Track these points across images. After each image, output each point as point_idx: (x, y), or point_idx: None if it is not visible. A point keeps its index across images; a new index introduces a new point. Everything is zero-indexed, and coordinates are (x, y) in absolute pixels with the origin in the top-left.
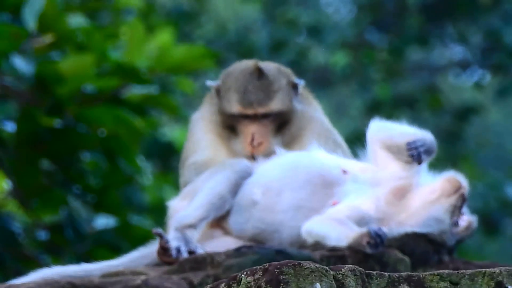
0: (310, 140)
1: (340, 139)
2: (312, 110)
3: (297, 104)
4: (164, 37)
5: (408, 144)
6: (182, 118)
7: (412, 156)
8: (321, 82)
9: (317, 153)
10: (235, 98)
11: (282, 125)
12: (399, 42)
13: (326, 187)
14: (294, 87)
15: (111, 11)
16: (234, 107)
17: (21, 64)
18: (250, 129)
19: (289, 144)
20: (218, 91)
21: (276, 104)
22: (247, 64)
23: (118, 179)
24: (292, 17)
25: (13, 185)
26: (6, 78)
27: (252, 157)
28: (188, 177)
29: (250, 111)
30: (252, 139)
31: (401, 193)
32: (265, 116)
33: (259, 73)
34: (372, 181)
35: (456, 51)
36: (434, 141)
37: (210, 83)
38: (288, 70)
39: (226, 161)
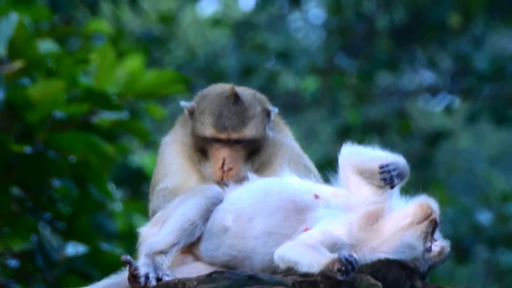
0: (281, 166)
1: (310, 164)
2: (283, 136)
3: (269, 131)
4: (134, 62)
5: (381, 167)
6: (152, 143)
7: (384, 179)
8: (291, 107)
9: (289, 179)
10: (210, 121)
11: (254, 151)
12: (369, 67)
13: (298, 213)
14: (268, 114)
15: (81, 36)
16: (208, 130)
17: None
18: (222, 154)
19: (259, 170)
20: (192, 113)
21: (250, 131)
22: (224, 87)
23: (89, 205)
24: (261, 42)
25: None
26: None
27: (222, 182)
28: (157, 204)
29: (223, 136)
30: (223, 164)
31: (373, 218)
32: (237, 141)
33: (235, 98)
34: (344, 206)
35: (426, 76)
36: (406, 165)
37: (184, 103)
38: (263, 97)
39: (197, 187)
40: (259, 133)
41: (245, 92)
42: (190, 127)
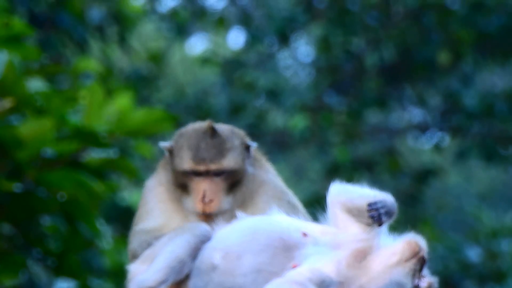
0: (264, 203)
1: (295, 200)
2: (264, 172)
3: (249, 166)
4: (123, 100)
5: (369, 205)
6: (141, 181)
7: (372, 217)
8: (280, 145)
9: (277, 217)
10: (188, 155)
11: (234, 185)
12: (358, 105)
13: (286, 250)
14: (247, 148)
15: (70, 75)
16: (186, 163)
17: None
18: (202, 186)
19: (242, 206)
20: (171, 151)
21: (228, 162)
22: (200, 124)
23: (78, 243)
24: (251, 80)
25: None
26: None
27: (204, 216)
28: (135, 244)
29: (202, 167)
30: (203, 196)
31: (362, 256)
32: (217, 174)
33: (212, 132)
34: (332, 243)
35: (415, 114)
36: (394, 203)
37: (162, 143)
38: (241, 132)
39: (185, 225)
40: (238, 165)
41: (223, 127)
42: (170, 165)
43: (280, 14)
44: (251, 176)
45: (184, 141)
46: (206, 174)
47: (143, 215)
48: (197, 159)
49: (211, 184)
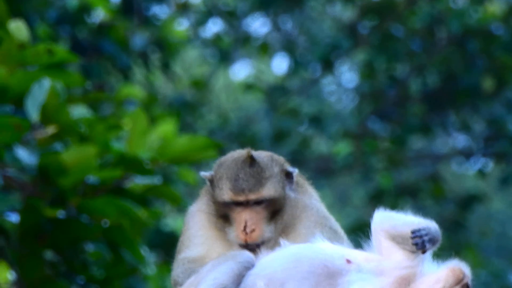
0: (306, 228)
1: (337, 226)
2: (307, 198)
3: (291, 192)
4: (166, 127)
5: (413, 232)
6: (184, 208)
7: (416, 244)
8: (324, 172)
9: (320, 244)
10: (227, 186)
11: (276, 212)
12: (402, 131)
13: (330, 277)
14: (288, 175)
15: (114, 102)
16: (226, 194)
17: (24, 155)
18: (243, 217)
19: (284, 232)
20: (211, 181)
21: (268, 191)
22: (240, 153)
23: (121, 269)
24: (294, 106)
25: (17, 276)
26: (9, 170)
27: (246, 246)
28: (177, 272)
29: (241, 198)
30: (245, 227)
31: (405, 283)
32: (257, 203)
33: (251, 161)
34: (376, 270)
35: (459, 140)
36: (438, 230)
37: (204, 174)
38: (281, 158)
39: (229, 253)
40: (277, 193)
41: (262, 154)
42: (211, 195)
43: (324, 40)
44: (293, 202)
45: (223, 171)
46: (247, 204)
47: (185, 242)
48: (236, 189)
49: (251, 214)
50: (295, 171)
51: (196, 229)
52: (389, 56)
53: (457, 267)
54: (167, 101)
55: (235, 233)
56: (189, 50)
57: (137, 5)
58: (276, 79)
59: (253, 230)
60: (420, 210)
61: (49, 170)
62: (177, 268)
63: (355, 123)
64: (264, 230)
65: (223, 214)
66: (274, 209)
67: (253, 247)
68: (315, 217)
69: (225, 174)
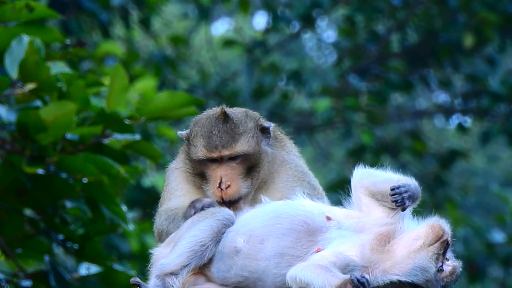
0: (284, 183)
1: (315, 182)
2: (285, 153)
3: (268, 147)
4: (146, 84)
5: (392, 189)
6: (164, 165)
7: (396, 201)
8: (305, 128)
9: (300, 201)
10: (201, 143)
11: (252, 168)
12: (382, 87)
13: (310, 234)
14: (264, 130)
15: (93, 59)
16: (200, 151)
17: (3, 112)
18: (218, 173)
19: (262, 188)
20: (188, 139)
21: (241, 146)
22: (214, 110)
23: (101, 226)
24: (274, 62)
25: None
26: None
27: (224, 202)
28: (160, 223)
29: (215, 154)
30: (220, 183)
31: (385, 240)
32: (231, 158)
33: (225, 117)
34: (356, 227)
35: (439, 97)
36: (418, 187)
37: (180, 132)
38: (256, 114)
39: (208, 209)
40: (252, 148)
41: (236, 111)
42: (187, 155)
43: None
44: (270, 157)
45: (198, 129)
46: (221, 160)
47: (167, 196)
48: (209, 146)
49: (227, 170)
50: (271, 126)
51: (177, 183)
52: (370, 12)
53: (436, 223)
54: (146, 58)
55: (212, 190)
56: (169, 6)
57: None
58: (256, 35)
59: (228, 186)
60: (401, 166)
61: (28, 127)
62: (160, 218)
63: (335, 79)
64: (240, 186)
65: (199, 172)
66: (250, 165)
67: (231, 203)
68: (293, 171)
69: (199, 132)
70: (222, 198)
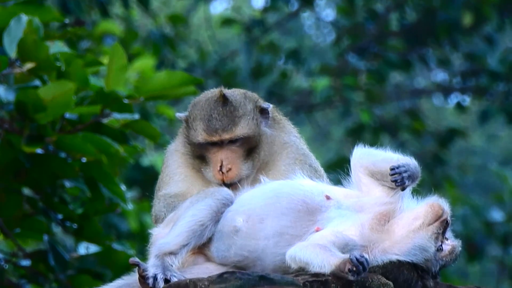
0: (286, 165)
1: (316, 163)
2: (285, 134)
3: (267, 129)
4: (144, 63)
5: (392, 169)
6: (163, 145)
7: (395, 181)
8: (304, 107)
9: (300, 181)
10: (201, 127)
11: (252, 150)
12: (381, 66)
13: (309, 214)
14: (263, 111)
15: (92, 38)
16: (200, 135)
17: (1, 91)
18: (218, 156)
19: (263, 169)
20: (186, 122)
21: (241, 129)
22: (213, 92)
23: (100, 206)
24: (273, 41)
25: None
26: None
27: (225, 184)
28: (158, 208)
29: (215, 138)
30: (221, 166)
31: (385, 219)
32: (232, 141)
33: (224, 100)
34: (355, 207)
35: (438, 75)
36: (417, 167)
37: (179, 115)
38: (255, 95)
39: (207, 190)
40: (251, 130)
41: (235, 92)
42: (186, 137)
43: None
44: (270, 138)
45: (197, 112)
46: (221, 143)
47: (165, 179)
48: (209, 130)
49: (227, 153)
50: (270, 107)
51: (175, 166)
52: None
53: (436, 203)
54: (145, 36)
55: (212, 173)
56: None
57: None
58: (255, 13)
59: (229, 169)
60: (400, 145)
61: (27, 107)
62: (158, 204)
63: (334, 58)
64: (241, 168)
65: (199, 154)
66: (250, 147)
67: (232, 185)
68: (294, 154)
69: (198, 115)
70: (223, 181)
